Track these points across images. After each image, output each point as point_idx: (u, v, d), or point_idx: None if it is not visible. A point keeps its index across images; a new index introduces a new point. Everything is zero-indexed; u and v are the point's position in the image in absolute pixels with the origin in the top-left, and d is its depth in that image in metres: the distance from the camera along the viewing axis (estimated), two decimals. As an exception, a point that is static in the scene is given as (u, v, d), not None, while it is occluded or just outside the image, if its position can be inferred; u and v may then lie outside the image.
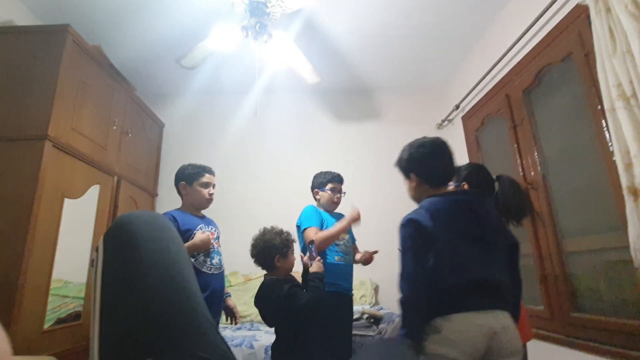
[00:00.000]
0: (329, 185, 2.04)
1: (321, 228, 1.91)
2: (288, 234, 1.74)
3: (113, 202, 2.45)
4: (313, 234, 1.84)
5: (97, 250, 0.98)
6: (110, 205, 2.42)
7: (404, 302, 1.17)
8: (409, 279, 1.17)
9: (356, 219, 1.88)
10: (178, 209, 1.94)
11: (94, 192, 2.27)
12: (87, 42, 2.20)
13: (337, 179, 2.08)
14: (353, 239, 2.12)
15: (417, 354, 1.15)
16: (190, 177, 1.94)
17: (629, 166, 1.40)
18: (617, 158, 1.45)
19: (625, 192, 1.41)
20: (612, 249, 1.72)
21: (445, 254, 1.16)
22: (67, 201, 2.00)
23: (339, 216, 2.05)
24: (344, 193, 2.10)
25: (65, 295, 2.01)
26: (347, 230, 1.97)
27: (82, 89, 2.16)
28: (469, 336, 1.09)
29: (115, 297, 0.90)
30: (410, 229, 1.20)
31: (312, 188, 2.12)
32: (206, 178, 1.95)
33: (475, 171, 1.73)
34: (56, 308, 1.92)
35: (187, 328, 0.88)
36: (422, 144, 1.37)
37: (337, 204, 2.07)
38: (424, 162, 1.34)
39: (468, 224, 1.22)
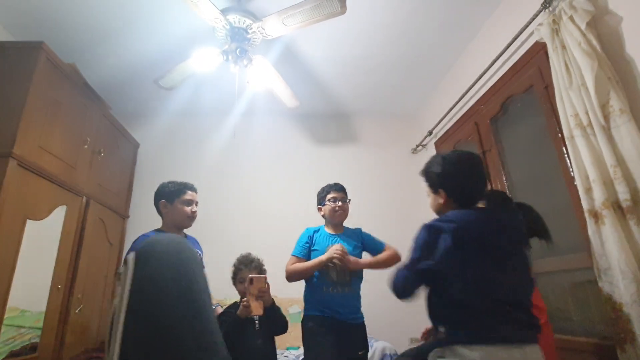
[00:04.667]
0: (328, 197, 1.95)
1: (310, 248, 1.87)
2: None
3: (80, 224, 2.34)
4: (290, 264, 1.84)
5: (125, 263, 0.93)
6: (77, 227, 2.31)
7: (396, 285, 1.18)
8: (409, 266, 1.15)
9: (334, 256, 1.74)
10: (157, 230, 1.85)
11: (59, 213, 2.16)
12: (61, 60, 2.16)
13: (334, 188, 1.97)
14: (360, 249, 1.96)
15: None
16: (171, 195, 1.86)
17: (588, 190, 1.49)
18: (578, 183, 1.54)
19: (587, 215, 1.49)
20: (578, 269, 1.80)
21: (473, 271, 1.09)
22: (29, 223, 1.88)
23: (349, 231, 1.97)
24: (349, 200, 1.98)
25: (20, 325, 1.85)
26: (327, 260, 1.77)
27: (54, 107, 2.10)
28: None
29: (136, 325, 0.89)
30: (431, 234, 1.14)
31: (317, 207, 2.03)
32: (188, 195, 1.89)
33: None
34: (10, 340, 1.77)
35: None
36: (458, 160, 1.28)
37: (340, 213, 1.93)
38: (457, 180, 1.26)
39: (499, 240, 1.15)
